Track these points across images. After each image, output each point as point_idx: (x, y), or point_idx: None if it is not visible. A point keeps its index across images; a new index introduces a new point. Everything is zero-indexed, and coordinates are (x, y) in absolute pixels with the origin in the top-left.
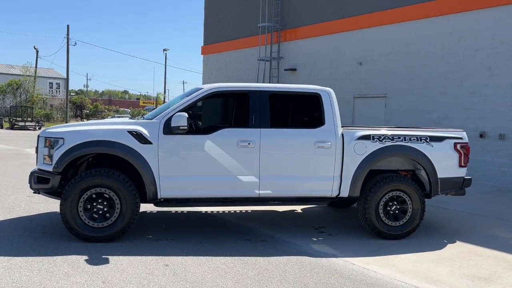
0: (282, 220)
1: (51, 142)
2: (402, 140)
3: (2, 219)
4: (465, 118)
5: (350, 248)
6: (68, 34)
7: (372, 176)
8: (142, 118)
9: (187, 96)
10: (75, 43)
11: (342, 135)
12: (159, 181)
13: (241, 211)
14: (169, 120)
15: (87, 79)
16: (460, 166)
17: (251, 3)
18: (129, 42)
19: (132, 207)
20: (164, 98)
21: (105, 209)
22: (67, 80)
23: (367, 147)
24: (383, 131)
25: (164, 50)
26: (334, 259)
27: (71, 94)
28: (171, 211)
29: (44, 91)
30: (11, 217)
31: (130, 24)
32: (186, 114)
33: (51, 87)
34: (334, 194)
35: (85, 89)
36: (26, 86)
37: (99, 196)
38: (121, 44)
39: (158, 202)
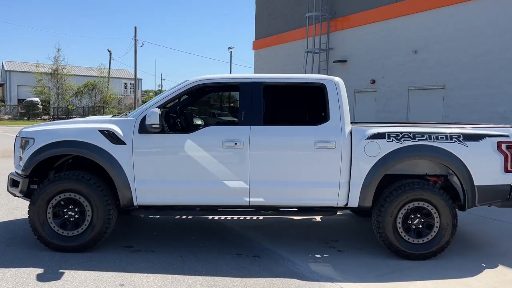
0: (292, 231)
1: (24, 142)
2: (426, 138)
3: None
4: None
5: (356, 269)
6: (135, 36)
7: (390, 183)
8: (125, 115)
9: (169, 90)
10: (142, 44)
11: (350, 133)
12: (134, 186)
13: (251, 218)
14: (145, 118)
15: (161, 79)
16: (507, 171)
17: None
18: (196, 42)
19: (103, 214)
20: (229, 97)
21: (76, 216)
22: (135, 79)
23: (381, 148)
24: (402, 128)
25: (229, 48)
26: (328, 284)
27: (150, 93)
28: (174, 216)
29: (119, 91)
30: (4, 220)
31: (197, 24)
32: (158, 111)
33: (126, 87)
34: (341, 204)
35: (161, 88)
36: (100, 86)
37: (70, 201)
38: (189, 44)
39: (134, 210)
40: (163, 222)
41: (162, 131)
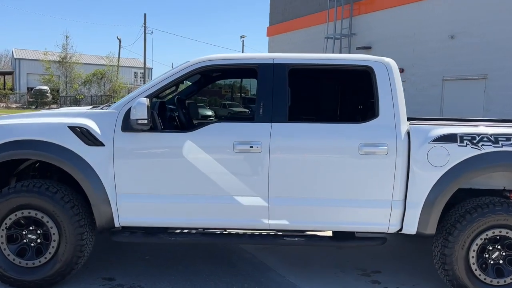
0: (322, 255)
1: None
2: None
3: None
4: None
5: None
6: (145, 23)
7: (458, 202)
8: (109, 106)
9: (165, 74)
10: (152, 32)
11: (408, 133)
12: (115, 201)
13: None
14: (129, 111)
15: (172, 69)
16: None
17: None
18: (208, 31)
19: (74, 239)
20: (241, 87)
21: (39, 240)
22: (144, 68)
23: (450, 155)
24: (479, 128)
25: (242, 37)
26: None
27: None
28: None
29: (128, 81)
30: None
31: (208, 12)
32: (146, 101)
33: (136, 77)
34: (393, 229)
35: None
36: (109, 75)
37: (31, 221)
38: (201, 33)
39: (116, 233)
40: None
41: (153, 128)
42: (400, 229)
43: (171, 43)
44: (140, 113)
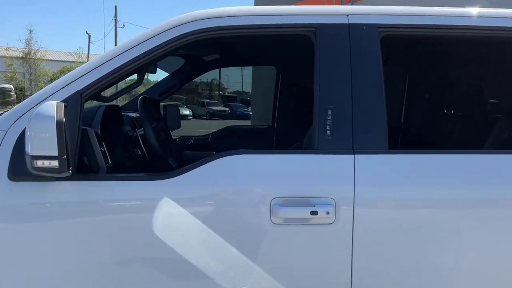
0: None
1: None
2: None
3: None
4: None
5: None
6: (116, 16)
7: None
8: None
9: (116, 49)
10: (123, 25)
11: None
12: None
13: None
14: (24, 134)
15: None
16: None
17: None
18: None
19: None
20: (219, 84)
21: None
22: None
23: None
24: None
25: None
26: None
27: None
28: None
29: None
30: None
31: (182, 4)
32: (53, 112)
33: None
34: None
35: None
36: None
37: None
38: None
39: None
40: None
41: (87, 169)
42: None
43: None
44: (43, 141)
